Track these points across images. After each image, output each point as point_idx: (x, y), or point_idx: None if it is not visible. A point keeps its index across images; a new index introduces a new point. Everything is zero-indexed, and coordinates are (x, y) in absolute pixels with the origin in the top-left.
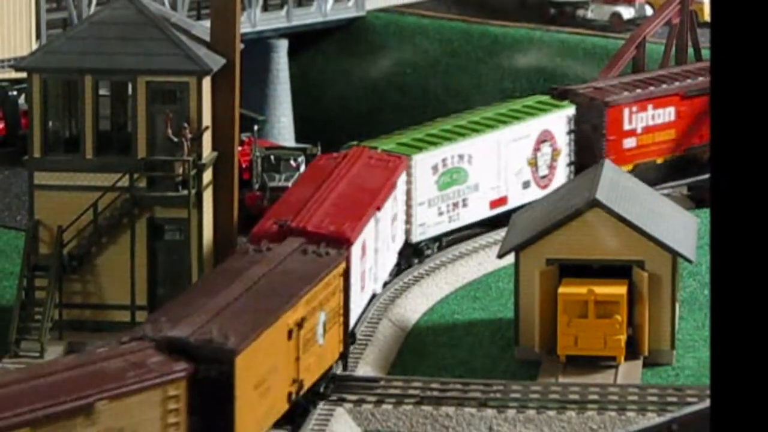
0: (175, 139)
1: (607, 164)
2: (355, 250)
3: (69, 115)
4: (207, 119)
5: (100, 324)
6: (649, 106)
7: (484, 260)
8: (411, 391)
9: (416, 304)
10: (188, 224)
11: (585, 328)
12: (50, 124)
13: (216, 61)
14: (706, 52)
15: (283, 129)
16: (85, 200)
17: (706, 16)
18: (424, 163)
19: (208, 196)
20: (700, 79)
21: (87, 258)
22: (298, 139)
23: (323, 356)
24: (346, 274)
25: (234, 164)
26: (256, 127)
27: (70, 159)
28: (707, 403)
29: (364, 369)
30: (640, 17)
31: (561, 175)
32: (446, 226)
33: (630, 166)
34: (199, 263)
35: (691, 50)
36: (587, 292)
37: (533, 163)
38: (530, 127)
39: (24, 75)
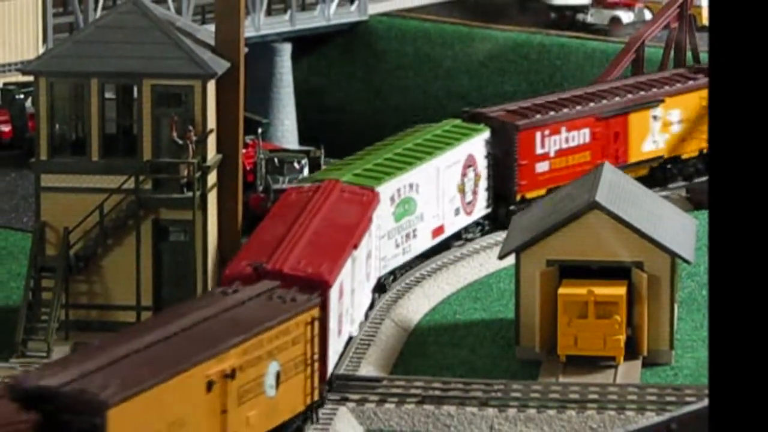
0: (180, 142)
1: (607, 166)
2: (333, 292)
3: (75, 118)
4: (211, 122)
5: (106, 324)
6: (563, 129)
7: (485, 261)
8: (413, 391)
9: (418, 305)
10: (193, 226)
11: (585, 329)
12: (57, 126)
13: (220, 65)
14: (704, 56)
15: (286, 132)
16: (91, 202)
17: (705, 20)
18: (385, 194)
19: (212, 198)
20: (616, 99)
21: (93, 259)
22: (301, 142)
23: (275, 409)
24: (320, 322)
25: (238, 166)
26: (260, 130)
27: (76, 161)
28: (705, 402)
29: (367, 369)
30: (639, 21)
31: (482, 201)
32: (401, 259)
33: (543, 191)
34: (204, 264)
35: (689, 54)
36: (587, 293)
37: (462, 190)
38: (460, 153)
39: (31, 78)
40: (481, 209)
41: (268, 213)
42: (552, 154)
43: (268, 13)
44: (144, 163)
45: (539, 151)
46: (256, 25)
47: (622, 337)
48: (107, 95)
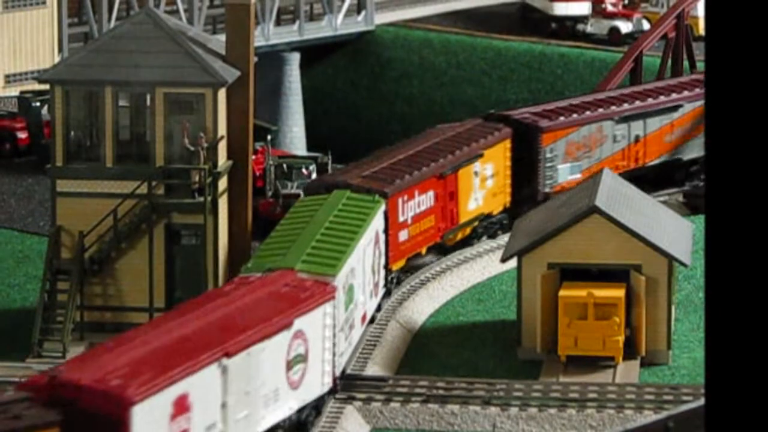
0: (192, 148)
1: (606, 172)
2: (147, 409)
3: (90, 125)
4: (222, 129)
5: (119, 325)
6: (416, 192)
7: (488, 264)
8: (418, 390)
9: (423, 307)
10: (204, 230)
11: (585, 330)
12: (72, 133)
13: (231, 74)
14: (700, 65)
15: (295, 138)
16: (105, 207)
17: (701, 30)
18: (340, 283)
19: (223, 203)
20: (449, 156)
21: (107, 262)
22: (309, 149)
23: None
24: None
25: (248, 172)
26: (269, 137)
27: (91, 167)
28: (702, 401)
29: (373, 369)
30: (637, 31)
31: (381, 279)
32: (348, 353)
33: (402, 262)
34: (215, 267)
35: (686, 63)
36: (587, 295)
37: (373, 270)
38: (372, 230)
39: (47, 87)
40: (381, 288)
41: (180, 305)
42: (409, 221)
43: (278, 23)
44: (156, 168)
45: (401, 218)
46: (266, 34)
47: (621, 338)
48: (121, 103)
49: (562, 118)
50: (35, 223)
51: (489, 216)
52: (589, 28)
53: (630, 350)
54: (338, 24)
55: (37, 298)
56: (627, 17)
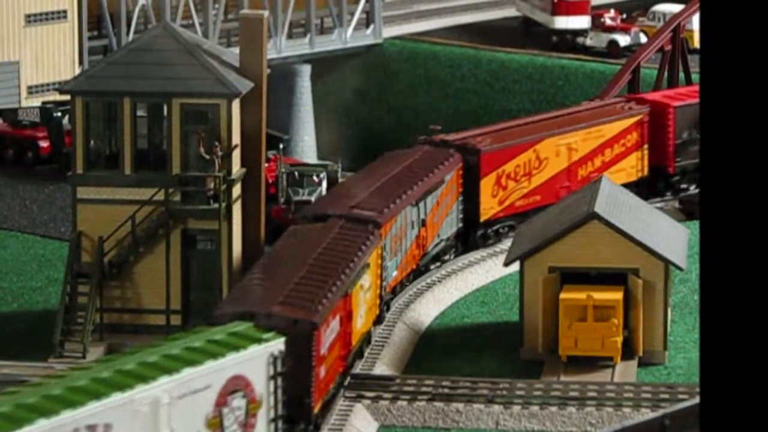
0: (207, 157)
1: (605, 179)
2: None
3: (109, 135)
4: (236, 138)
5: (137, 327)
6: (330, 318)
7: (491, 268)
8: (424, 389)
9: (429, 309)
10: (219, 235)
11: (584, 331)
12: (92, 142)
13: (245, 85)
14: (695, 76)
15: (306, 147)
16: (124, 213)
17: (696, 43)
18: None
19: (237, 209)
20: (352, 264)
21: (126, 266)
22: (320, 157)
23: None
24: None
25: (261, 180)
26: (281, 146)
27: (110, 175)
28: (697, 399)
29: (381, 368)
30: (635, 44)
31: None
32: None
33: (319, 406)
34: (229, 271)
35: (681, 75)
36: (586, 298)
37: (216, 425)
38: (212, 375)
39: (68, 97)
40: None
41: None
42: (326, 353)
43: (289, 36)
44: (173, 176)
45: (322, 351)
46: (278, 47)
47: (619, 339)
48: (139, 113)
49: (386, 210)
50: (56, 228)
51: (365, 333)
52: (588, 41)
53: (628, 350)
54: (348, 37)
55: (59, 301)
56: (625, 31)
